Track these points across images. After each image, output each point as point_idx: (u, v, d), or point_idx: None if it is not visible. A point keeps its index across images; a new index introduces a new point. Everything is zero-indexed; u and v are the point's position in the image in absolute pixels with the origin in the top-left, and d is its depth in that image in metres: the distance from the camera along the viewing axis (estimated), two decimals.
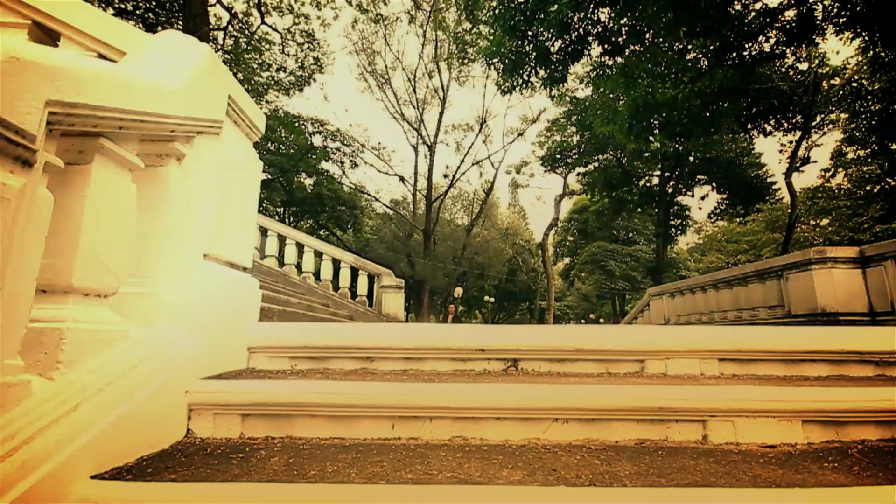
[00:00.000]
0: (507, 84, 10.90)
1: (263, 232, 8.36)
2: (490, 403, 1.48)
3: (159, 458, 1.27)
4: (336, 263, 8.37)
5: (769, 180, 21.37)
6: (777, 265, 5.92)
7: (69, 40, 2.01)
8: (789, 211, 22.49)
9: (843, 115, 18.17)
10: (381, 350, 1.94)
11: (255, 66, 22.71)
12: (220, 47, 21.01)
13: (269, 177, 22.71)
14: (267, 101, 22.46)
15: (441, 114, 26.98)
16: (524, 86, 10.81)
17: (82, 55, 1.64)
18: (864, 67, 16.06)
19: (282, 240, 8.36)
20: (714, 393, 1.53)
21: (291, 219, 28.65)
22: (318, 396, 1.47)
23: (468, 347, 1.95)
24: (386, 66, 26.75)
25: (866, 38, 13.63)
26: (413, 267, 27.64)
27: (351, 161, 24.58)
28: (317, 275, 8.53)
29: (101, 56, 1.98)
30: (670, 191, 21.11)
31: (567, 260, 46.74)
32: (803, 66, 16.90)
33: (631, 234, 34.84)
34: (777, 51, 12.14)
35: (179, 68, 1.56)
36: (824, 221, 23.64)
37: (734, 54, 11.23)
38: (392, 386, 1.53)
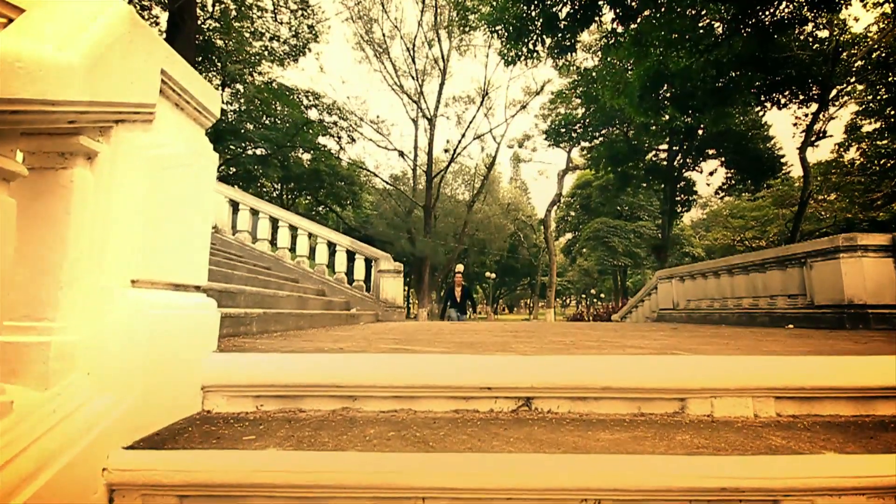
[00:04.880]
0: (511, 53, 10.25)
1: (254, 213, 7.97)
2: (503, 482, 1.14)
3: None
4: (332, 247, 8.00)
5: (775, 153, 20.69)
6: (800, 252, 5.54)
7: None
8: (801, 187, 21.92)
9: (859, 87, 17.37)
10: (365, 388, 1.59)
11: (247, 35, 21.76)
12: (209, 14, 20.05)
13: (265, 152, 22.10)
14: (259, 73, 21.60)
15: (441, 85, 26.05)
16: (529, 55, 10.16)
17: None
18: (888, 34, 15.21)
19: (274, 222, 7.96)
20: (788, 467, 1.19)
21: (289, 195, 28.15)
22: (276, 476, 1.13)
23: (472, 385, 1.60)
24: (384, 35, 25.66)
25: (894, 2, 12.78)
26: (413, 244, 27.29)
27: (349, 135, 23.85)
28: (312, 253, 8.19)
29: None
30: (678, 165, 20.51)
31: (569, 235, 46.36)
32: (823, 34, 16.01)
33: (635, 210, 34.26)
34: (799, 17, 11.40)
35: (79, 36, 1.15)
36: (832, 196, 23.04)
37: (753, 20, 10.53)
38: (374, 459, 1.18)
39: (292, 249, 8.16)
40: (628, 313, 10.67)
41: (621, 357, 1.76)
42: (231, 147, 20.71)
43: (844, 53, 15.18)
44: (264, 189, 25.77)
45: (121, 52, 1.25)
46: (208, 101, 1.69)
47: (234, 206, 7.98)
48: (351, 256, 8.11)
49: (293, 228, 7.97)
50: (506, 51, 10.16)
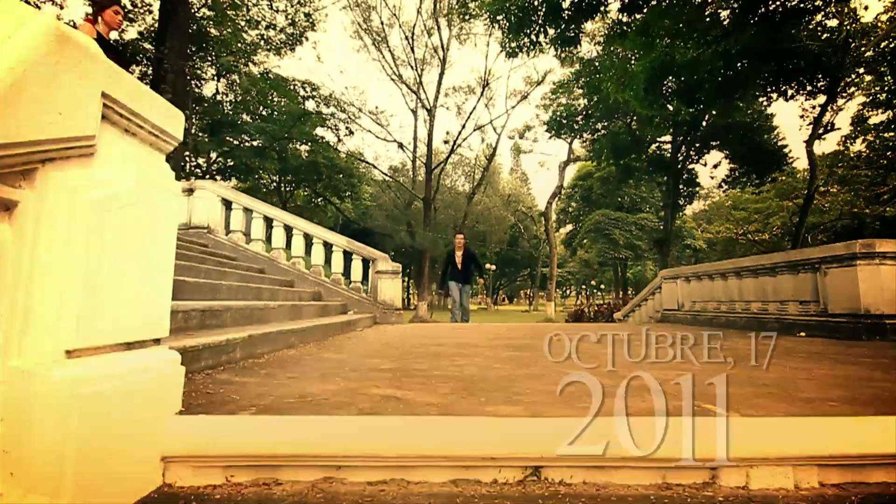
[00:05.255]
0: (512, 45, 9.91)
1: (248, 213, 7.74)
2: None
3: None
4: (328, 247, 7.78)
5: (781, 145, 20.29)
6: (814, 256, 5.32)
7: None
8: (805, 178, 21.54)
9: (867, 78, 16.98)
10: (352, 458, 1.39)
11: (243, 23, 21.29)
12: (203, 2, 19.57)
13: (262, 145, 21.78)
14: (255, 63, 21.17)
15: (441, 75, 25.61)
16: (531, 47, 9.83)
17: None
18: None
19: (268, 221, 7.73)
20: None
21: (287, 187, 27.83)
22: None
23: (474, 456, 1.39)
24: (382, 23, 25.14)
25: None
26: (413, 237, 27.09)
27: (346, 128, 23.47)
28: (308, 249, 7.97)
29: None
30: (681, 158, 20.16)
31: (569, 227, 46.15)
32: (832, 23, 15.58)
33: (636, 202, 33.94)
34: (810, 7, 11.07)
35: None
36: (834, 189, 22.68)
37: (762, 10, 10.19)
38: None
39: (288, 249, 7.93)
40: (631, 312, 10.50)
41: (643, 419, 1.55)
42: (228, 139, 20.38)
43: (854, 43, 14.78)
44: (262, 181, 25.47)
45: (45, 77, 1.02)
46: (168, 123, 1.45)
47: (228, 204, 7.74)
48: (348, 257, 7.90)
49: (288, 228, 7.74)
50: (507, 42, 9.83)
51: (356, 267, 7.77)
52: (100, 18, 3.59)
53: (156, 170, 1.45)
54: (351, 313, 7.21)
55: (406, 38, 25.13)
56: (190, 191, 7.56)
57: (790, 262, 5.67)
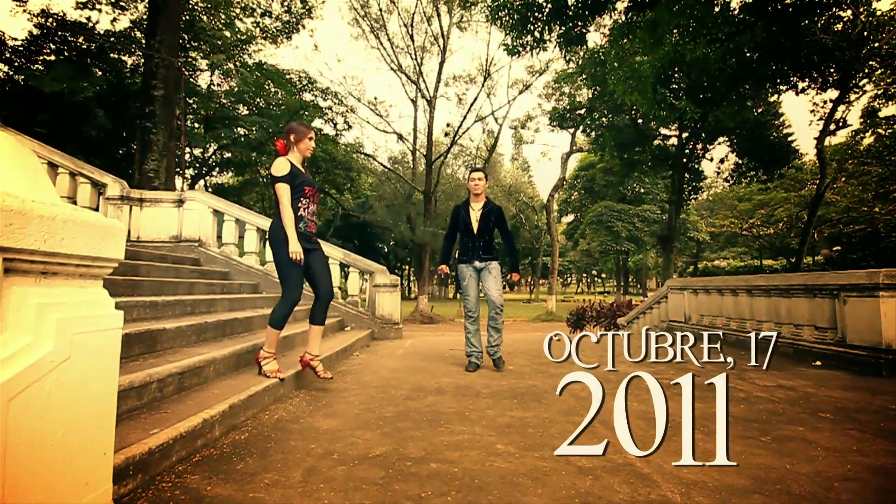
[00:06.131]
0: (516, 43, 9.50)
1: (241, 226, 7.47)
2: None
3: None
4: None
5: (789, 140, 19.78)
6: (833, 283, 5.06)
7: None
8: (812, 171, 21.12)
9: (878, 71, 16.44)
10: None
11: (238, 10, 20.71)
12: None
13: (260, 139, 21.37)
14: (249, 55, 20.63)
15: (441, 64, 24.99)
16: (535, 45, 9.42)
17: None
18: None
19: (262, 234, 7.46)
20: None
21: None
22: None
23: None
24: (380, 10, 24.44)
25: None
26: (413, 230, 26.82)
27: (345, 120, 22.98)
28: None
29: None
30: (687, 152, 19.71)
31: (571, 217, 45.86)
32: (846, 14, 14.99)
33: (641, 190, 33.46)
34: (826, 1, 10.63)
35: None
36: (841, 181, 22.21)
37: (778, 5, 9.76)
38: None
39: None
40: (635, 319, 10.28)
41: None
42: (222, 134, 19.97)
43: (870, 36, 14.25)
44: (259, 175, 25.08)
45: None
46: (100, 248, 1.19)
47: (219, 216, 7.47)
48: (345, 269, 7.67)
49: None
50: (510, 41, 9.41)
51: (353, 280, 7.54)
52: (293, 146, 3.35)
53: (87, 304, 1.19)
54: (348, 329, 7.01)
55: (405, 25, 24.47)
56: (180, 202, 7.28)
57: (807, 285, 5.41)
